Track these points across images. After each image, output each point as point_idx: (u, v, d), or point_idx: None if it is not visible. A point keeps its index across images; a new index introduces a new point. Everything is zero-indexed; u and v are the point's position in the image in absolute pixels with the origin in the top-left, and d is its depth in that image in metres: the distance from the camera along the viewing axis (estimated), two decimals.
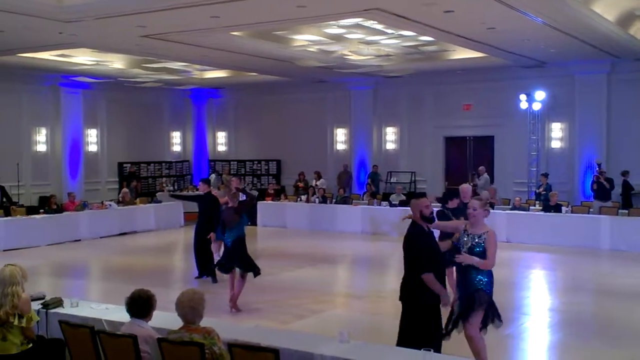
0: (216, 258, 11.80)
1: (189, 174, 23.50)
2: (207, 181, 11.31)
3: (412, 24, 11.61)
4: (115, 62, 16.78)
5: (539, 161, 17.57)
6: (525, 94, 17.20)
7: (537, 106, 17.25)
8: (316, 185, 18.23)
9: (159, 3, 9.96)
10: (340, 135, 21.16)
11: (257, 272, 8.52)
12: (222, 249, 11.79)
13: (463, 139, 19.09)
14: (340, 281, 11.48)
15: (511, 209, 14.66)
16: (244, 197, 13.77)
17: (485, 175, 17.00)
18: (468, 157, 18.98)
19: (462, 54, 15.53)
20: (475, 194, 16.87)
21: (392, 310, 8.99)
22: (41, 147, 18.81)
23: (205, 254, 10.68)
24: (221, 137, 23.66)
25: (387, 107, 20.01)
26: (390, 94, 19.89)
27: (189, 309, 4.47)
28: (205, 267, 10.60)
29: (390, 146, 20.28)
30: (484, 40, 13.29)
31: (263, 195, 18.94)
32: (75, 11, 10.33)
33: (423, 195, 5.74)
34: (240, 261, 8.41)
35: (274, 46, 14.23)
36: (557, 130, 17.78)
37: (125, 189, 17.35)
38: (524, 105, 17.34)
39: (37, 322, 5.31)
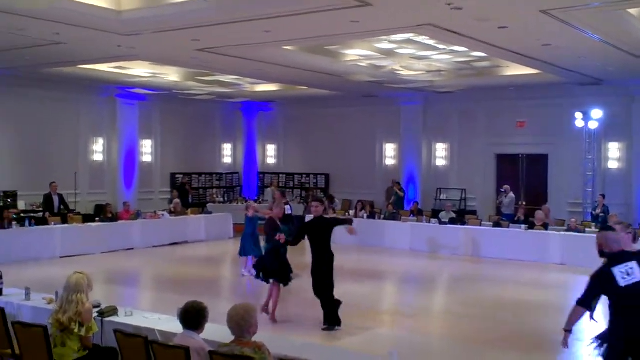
0: (243, 272, 11.93)
1: (239, 186, 23.79)
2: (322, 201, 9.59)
3: (465, 39, 11.51)
4: (170, 75, 17.19)
5: (594, 181, 17.07)
6: (582, 112, 16.78)
7: (593, 125, 16.80)
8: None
9: (213, 18, 10.16)
10: (389, 150, 21.08)
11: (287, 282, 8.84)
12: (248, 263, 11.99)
13: (516, 156, 18.73)
14: (389, 298, 11.39)
15: (566, 231, 14.27)
16: (290, 211, 13.80)
17: (512, 194, 16.83)
18: (521, 175, 18.61)
19: (516, 70, 15.29)
20: (500, 212, 16.70)
21: (441, 330, 8.89)
22: (98, 157, 19.37)
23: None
24: (271, 149, 23.90)
25: (438, 122, 19.85)
26: (440, 110, 19.73)
27: (236, 324, 4.50)
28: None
29: (440, 162, 20.08)
30: (538, 56, 13.05)
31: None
32: (134, 25, 10.62)
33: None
34: (276, 274, 8.67)
35: (325, 60, 14.32)
36: (614, 150, 17.27)
37: (176, 200, 17.67)
38: (579, 123, 16.91)
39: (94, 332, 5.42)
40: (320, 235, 8.22)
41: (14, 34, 11.27)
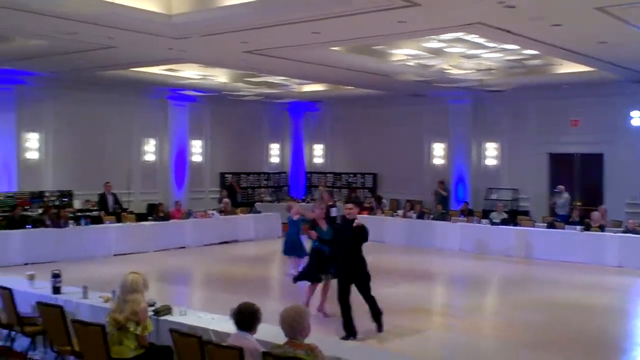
0: (293, 273, 12.02)
1: (286, 185, 23.95)
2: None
3: (517, 37, 11.28)
4: (220, 77, 17.44)
5: None
6: (638, 110, 16.25)
7: None
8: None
9: (262, 20, 10.24)
10: (438, 150, 20.85)
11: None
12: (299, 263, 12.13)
13: (569, 156, 18.26)
14: (439, 299, 11.27)
15: (624, 232, 13.84)
16: (336, 213, 13.89)
17: (566, 194, 16.35)
18: (575, 175, 18.14)
19: (569, 68, 14.89)
20: (554, 213, 16.25)
21: (492, 332, 8.75)
22: (150, 157, 19.81)
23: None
24: (318, 149, 23.97)
25: (488, 121, 19.52)
26: (490, 109, 19.40)
27: (288, 326, 4.53)
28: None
29: (490, 162, 19.75)
30: (593, 54, 12.68)
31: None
32: (184, 28, 10.78)
33: None
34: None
35: (373, 61, 14.26)
36: None
37: (226, 199, 17.91)
38: (636, 121, 16.38)
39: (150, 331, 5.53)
40: (349, 239, 7.90)
41: (70, 39, 11.62)
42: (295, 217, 12.24)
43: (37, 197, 16.10)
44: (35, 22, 10.28)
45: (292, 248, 12.12)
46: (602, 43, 11.51)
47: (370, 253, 14.91)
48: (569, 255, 13.76)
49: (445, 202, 18.40)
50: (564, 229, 14.50)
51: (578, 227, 14.13)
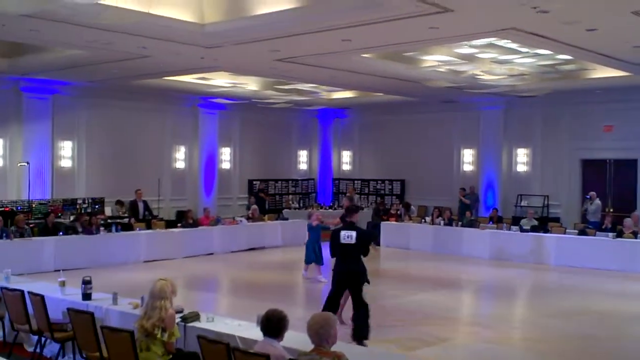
0: (319, 278, 12.03)
1: (314, 192, 23.96)
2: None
3: (550, 42, 11.12)
4: (250, 84, 17.56)
5: None
6: None
7: None
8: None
9: (292, 29, 10.28)
10: (468, 156, 20.65)
11: None
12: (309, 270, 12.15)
13: (602, 161, 17.92)
14: (466, 308, 11.12)
15: None
16: None
17: (597, 200, 16.01)
18: (607, 181, 17.79)
19: (604, 72, 14.63)
20: (585, 220, 15.95)
21: (520, 342, 8.59)
22: (180, 164, 20.00)
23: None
24: (346, 156, 23.95)
25: (519, 127, 19.28)
26: (522, 114, 19.16)
27: (315, 333, 4.50)
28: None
29: (521, 168, 19.49)
30: (628, 58, 12.45)
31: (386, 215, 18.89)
32: (216, 37, 10.90)
33: None
34: None
35: (403, 67, 14.21)
36: None
37: (254, 206, 17.98)
38: None
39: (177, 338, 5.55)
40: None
41: (105, 50, 11.82)
42: (314, 223, 12.30)
43: (70, 204, 16.32)
44: (73, 33, 10.48)
45: (312, 255, 12.19)
46: (637, 47, 11.29)
47: (397, 260, 14.92)
48: (600, 262, 13.51)
49: (468, 209, 18.14)
50: (595, 235, 14.23)
51: (610, 234, 13.87)
